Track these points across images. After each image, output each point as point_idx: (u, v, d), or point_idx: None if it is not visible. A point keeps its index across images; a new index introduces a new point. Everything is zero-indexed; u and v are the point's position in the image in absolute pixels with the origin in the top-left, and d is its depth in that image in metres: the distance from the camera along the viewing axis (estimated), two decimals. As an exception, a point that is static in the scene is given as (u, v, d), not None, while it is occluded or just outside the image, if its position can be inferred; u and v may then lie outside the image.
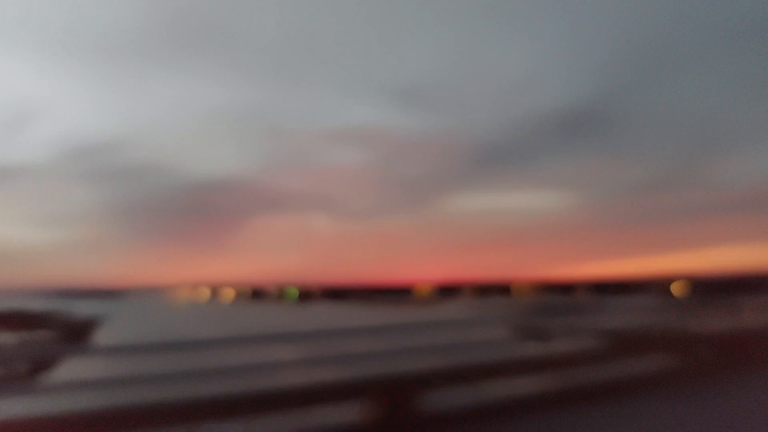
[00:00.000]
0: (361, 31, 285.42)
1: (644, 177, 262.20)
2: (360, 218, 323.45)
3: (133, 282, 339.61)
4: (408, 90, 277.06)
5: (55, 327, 29.52)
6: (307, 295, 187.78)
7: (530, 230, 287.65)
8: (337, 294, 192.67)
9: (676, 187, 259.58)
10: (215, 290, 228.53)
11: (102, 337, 51.59)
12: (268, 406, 3.98)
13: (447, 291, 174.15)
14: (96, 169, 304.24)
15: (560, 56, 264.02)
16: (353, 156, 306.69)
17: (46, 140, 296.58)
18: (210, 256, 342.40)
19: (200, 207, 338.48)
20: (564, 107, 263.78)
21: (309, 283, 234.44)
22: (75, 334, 28.73)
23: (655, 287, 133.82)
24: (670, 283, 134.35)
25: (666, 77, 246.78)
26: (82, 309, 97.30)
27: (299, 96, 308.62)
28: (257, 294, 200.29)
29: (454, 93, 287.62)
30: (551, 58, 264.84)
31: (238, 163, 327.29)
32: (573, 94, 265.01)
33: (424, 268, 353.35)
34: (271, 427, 4.02)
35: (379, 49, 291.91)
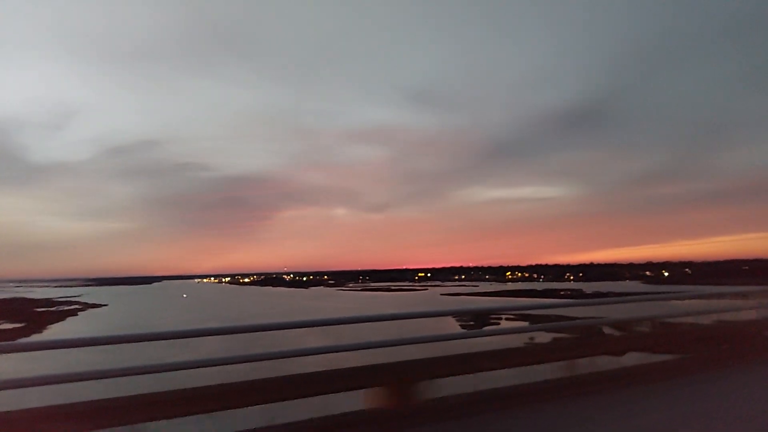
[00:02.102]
0: (379, 36, 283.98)
1: (647, 168, 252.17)
2: (378, 210, 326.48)
3: (168, 270, 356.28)
4: (421, 90, 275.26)
5: None
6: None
7: (537, 219, 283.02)
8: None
9: (678, 178, 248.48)
10: (239, 276, 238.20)
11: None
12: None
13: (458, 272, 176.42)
14: (133, 165, 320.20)
15: (565, 55, 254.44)
16: (372, 152, 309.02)
17: (87, 139, 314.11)
18: (239, 245, 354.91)
19: (229, 201, 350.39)
20: (569, 103, 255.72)
21: (329, 268, 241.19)
22: None
23: (653, 272, 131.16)
24: (670, 268, 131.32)
25: (667, 73, 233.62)
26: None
27: (321, 97, 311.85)
28: (275, 279, 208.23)
29: (465, 92, 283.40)
30: (557, 57, 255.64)
31: (264, 160, 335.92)
32: (578, 90, 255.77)
33: (437, 254, 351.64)
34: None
35: (396, 52, 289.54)
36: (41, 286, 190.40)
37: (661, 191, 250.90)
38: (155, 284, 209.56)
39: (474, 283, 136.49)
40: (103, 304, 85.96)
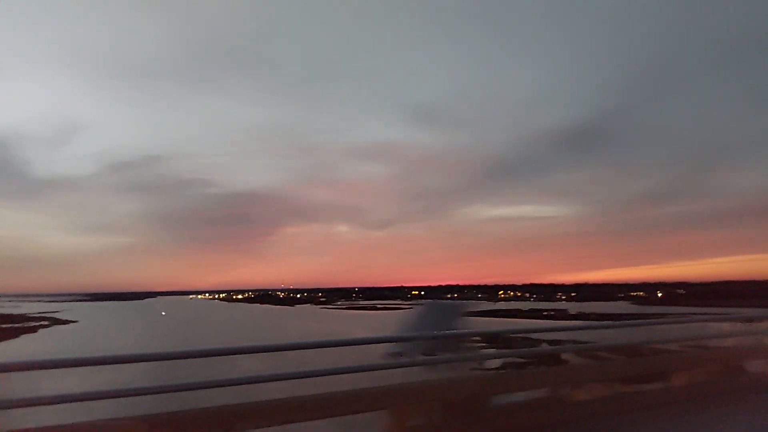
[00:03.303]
0: (383, 55, 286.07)
1: (648, 188, 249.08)
2: (381, 227, 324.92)
3: (169, 285, 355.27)
4: (425, 108, 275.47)
5: None
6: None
7: (538, 238, 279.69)
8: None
9: (679, 199, 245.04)
10: (233, 293, 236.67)
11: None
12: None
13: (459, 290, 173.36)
14: (137, 181, 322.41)
15: (567, 75, 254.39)
16: (375, 170, 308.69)
17: (91, 154, 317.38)
18: (241, 261, 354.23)
19: (233, 217, 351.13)
20: (571, 123, 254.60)
21: (330, 285, 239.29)
22: None
23: (647, 293, 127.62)
24: (664, 289, 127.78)
25: (668, 94, 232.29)
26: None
27: (325, 114, 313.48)
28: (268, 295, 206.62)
29: (468, 111, 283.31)
30: (559, 77, 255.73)
31: (267, 176, 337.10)
32: (579, 110, 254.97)
33: (437, 272, 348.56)
34: None
35: (398, 70, 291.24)
36: (35, 301, 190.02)
37: (662, 211, 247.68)
38: (148, 300, 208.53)
39: (462, 302, 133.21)
40: (73, 320, 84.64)
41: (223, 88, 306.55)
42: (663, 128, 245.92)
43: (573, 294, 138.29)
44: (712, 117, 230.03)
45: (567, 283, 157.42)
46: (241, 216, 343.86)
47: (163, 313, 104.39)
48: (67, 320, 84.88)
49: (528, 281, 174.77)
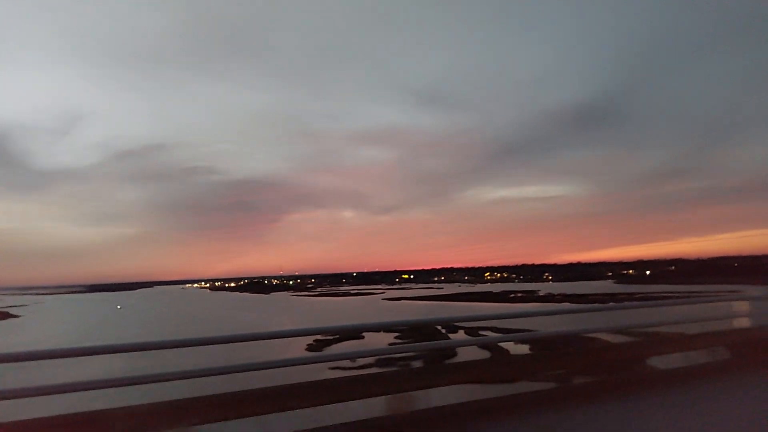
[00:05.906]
0: (386, 37, 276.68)
1: (655, 166, 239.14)
2: (386, 212, 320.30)
3: (173, 275, 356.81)
4: (429, 91, 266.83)
5: None
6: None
7: (545, 219, 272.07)
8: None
9: (687, 175, 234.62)
10: (224, 282, 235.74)
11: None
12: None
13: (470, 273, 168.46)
14: (141, 170, 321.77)
15: (573, 53, 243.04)
16: (380, 154, 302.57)
17: (94, 143, 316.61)
18: (245, 249, 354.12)
19: (237, 204, 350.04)
20: (576, 102, 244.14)
21: (333, 270, 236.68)
22: None
23: (638, 271, 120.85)
24: (658, 266, 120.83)
25: (674, 70, 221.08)
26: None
27: (329, 100, 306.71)
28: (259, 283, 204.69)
29: (472, 92, 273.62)
30: (564, 56, 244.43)
31: (271, 163, 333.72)
32: (585, 88, 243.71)
33: (441, 255, 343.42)
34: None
35: (403, 53, 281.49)
36: (26, 294, 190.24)
37: (669, 189, 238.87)
38: (140, 290, 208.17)
39: (440, 285, 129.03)
40: (17, 316, 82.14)
41: (225, 74, 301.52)
42: (670, 105, 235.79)
43: (563, 275, 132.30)
44: (719, 93, 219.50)
45: (560, 263, 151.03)
46: (245, 203, 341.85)
47: (119, 307, 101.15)
48: (13, 315, 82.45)
49: (530, 262, 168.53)
